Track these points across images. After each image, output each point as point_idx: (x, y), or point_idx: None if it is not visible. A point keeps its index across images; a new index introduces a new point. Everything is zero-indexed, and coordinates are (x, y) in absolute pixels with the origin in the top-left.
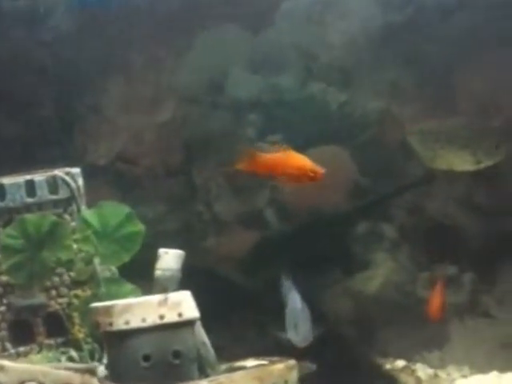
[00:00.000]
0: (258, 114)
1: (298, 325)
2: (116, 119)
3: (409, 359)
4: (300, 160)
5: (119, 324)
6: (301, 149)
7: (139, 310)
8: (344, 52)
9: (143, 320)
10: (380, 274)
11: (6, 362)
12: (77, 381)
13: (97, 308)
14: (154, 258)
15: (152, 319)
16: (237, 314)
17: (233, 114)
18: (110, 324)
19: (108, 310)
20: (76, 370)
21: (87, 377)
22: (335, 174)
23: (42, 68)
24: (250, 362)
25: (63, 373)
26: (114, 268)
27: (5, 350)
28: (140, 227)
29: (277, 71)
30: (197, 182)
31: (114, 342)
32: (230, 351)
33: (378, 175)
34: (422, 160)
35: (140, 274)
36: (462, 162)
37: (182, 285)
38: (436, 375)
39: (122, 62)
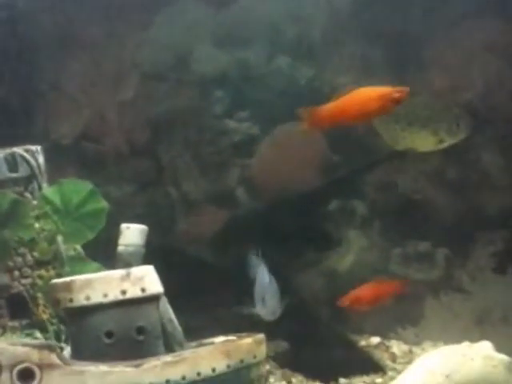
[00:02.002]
0: (225, 90)
1: (266, 298)
2: (78, 97)
3: (383, 336)
4: (374, 89)
5: (80, 300)
6: (269, 125)
7: (100, 285)
8: (311, 25)
9: (105, 295)
10: (352, 251)
11: None
12: (34, 357)
13: (56, 284)
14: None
15: (114, 294)
16: (210, 293)
17: (199, 91)
18: (71, 300)
19: (68, 286)
20: (34, 347)
21: (45, 353)
22: (306, 150)
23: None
24: (220, 339)
25: (20, 349)
26: (78, 247)
27: None
28: (103, 204)
29: (243, 46)
30: (164, 161)
31: (75, 319)
32: (206, 332)
33: (348, 151)
34: (385, 141)
35: (108, 254)
36: (425, 143)
37: (153, 266)
38: (411, 351)
39: (83, 38)
